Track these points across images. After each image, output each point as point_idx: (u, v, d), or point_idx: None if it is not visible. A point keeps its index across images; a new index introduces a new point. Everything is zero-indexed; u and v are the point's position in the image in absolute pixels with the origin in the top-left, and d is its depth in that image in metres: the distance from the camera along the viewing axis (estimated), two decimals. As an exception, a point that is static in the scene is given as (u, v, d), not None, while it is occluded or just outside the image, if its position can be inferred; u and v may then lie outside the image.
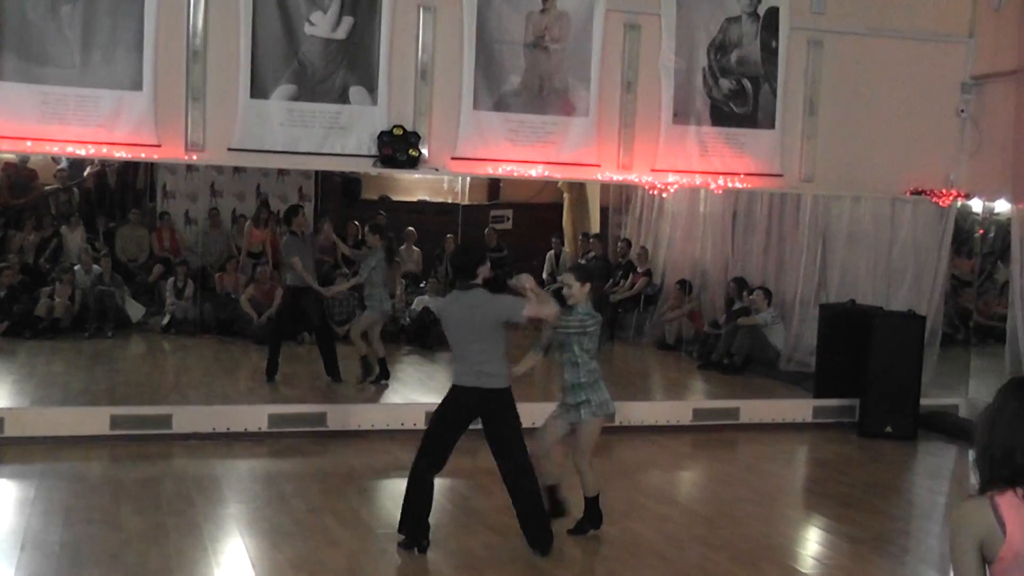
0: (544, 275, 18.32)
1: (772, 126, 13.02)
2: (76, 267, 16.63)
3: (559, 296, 8.41)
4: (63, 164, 18.17)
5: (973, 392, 13.95)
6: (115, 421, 11.16)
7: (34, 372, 13.65)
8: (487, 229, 18.09)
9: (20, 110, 10.84)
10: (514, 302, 8.01)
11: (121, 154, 11.41)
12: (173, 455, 10.81)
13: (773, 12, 12.88)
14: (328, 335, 13.72)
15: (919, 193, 13.66)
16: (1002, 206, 13.90)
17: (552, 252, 18.52)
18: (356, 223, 17.94)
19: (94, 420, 11.18)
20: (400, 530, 8.18)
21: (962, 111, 13.64)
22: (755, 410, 13.26)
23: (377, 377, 13.44)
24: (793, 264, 15.46)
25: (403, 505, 8.19)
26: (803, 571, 8.37)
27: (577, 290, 8.23)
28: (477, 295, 8.04)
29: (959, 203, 13.90)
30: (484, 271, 8.13)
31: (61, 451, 10.63)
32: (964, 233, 14.98)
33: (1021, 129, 12.87)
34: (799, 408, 13.47)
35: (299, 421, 11.66)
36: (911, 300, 13.86)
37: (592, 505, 8.71)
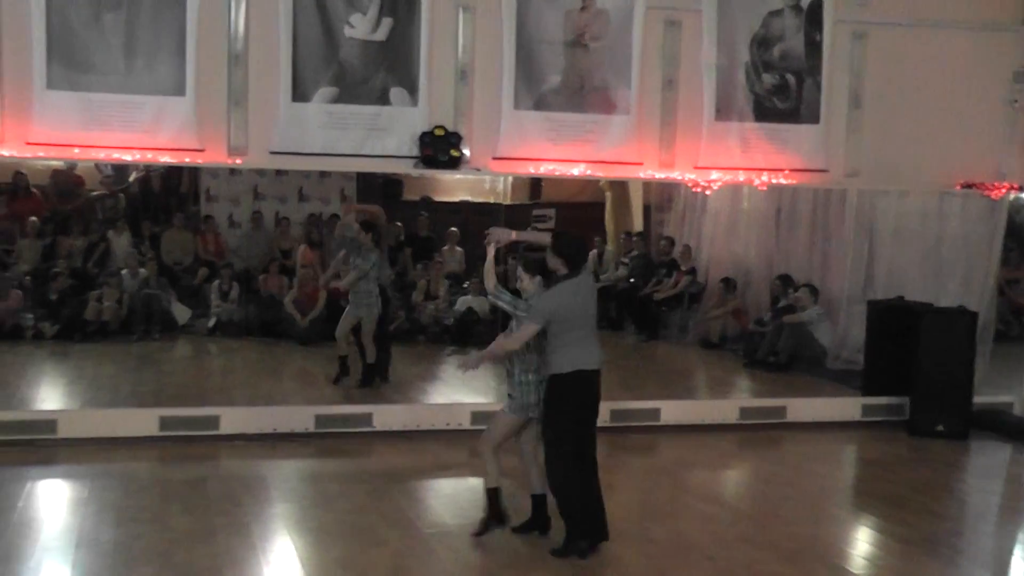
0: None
1: (816, 121, 12.90)
2: (123, 271, 16.77)
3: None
4: (108, 170, 18.35)
5: (1028, 390, 13.78)
6: (164, 422, 11.25)
7: (84, 375, 13.78)
8: (528, 228, 18.07)
9: (66, 117, 10.92)
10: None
11: (165, 159, 11.48)
12: (220, 456, 10.88)
13: (816, 5, 12.76)
14: (387, 337, 13.65)
15: (969, 186, 13.49)
16: (1057, 199, 13.72)
17: (595, 251, 18.48)
18: (399, 224, 17.98)
19: (143, 421, 11.28)
20: (585, 539, 8.19)
21: (1014, 101, 13.43)
22: (802, 408, 13.16)
23: (361, 381, 13.30)
24: (839, 260, 15.36)
25: (579, 515, 8.18)
26: (853, 571, 8.28)
27: (527, 282, 8.26)
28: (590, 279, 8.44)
29: (1011, 196, 13.73)
30: None
31: (112, 452, 10.73)
32: (1016, 226, 14.80)
33: (1074, 119, 12.71)
34: (847, 406, 13.36)
35: (345, 422, 11.69)
36: (962, 296, 13.70)
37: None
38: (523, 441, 8.46)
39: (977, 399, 12.89)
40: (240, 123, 11.30)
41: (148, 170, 18.23)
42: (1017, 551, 9.32)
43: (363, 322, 13.08)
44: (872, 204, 14.50)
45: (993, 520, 10.17)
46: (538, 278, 8.20)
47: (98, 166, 17.92)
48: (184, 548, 8.07)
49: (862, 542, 9.17)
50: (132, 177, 18.88)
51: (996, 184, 13.41)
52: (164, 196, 19.19)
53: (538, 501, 8.51)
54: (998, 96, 13.39)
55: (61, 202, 18.36)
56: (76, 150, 11.15)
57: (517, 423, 8.32)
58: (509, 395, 8.31)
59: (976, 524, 10.03)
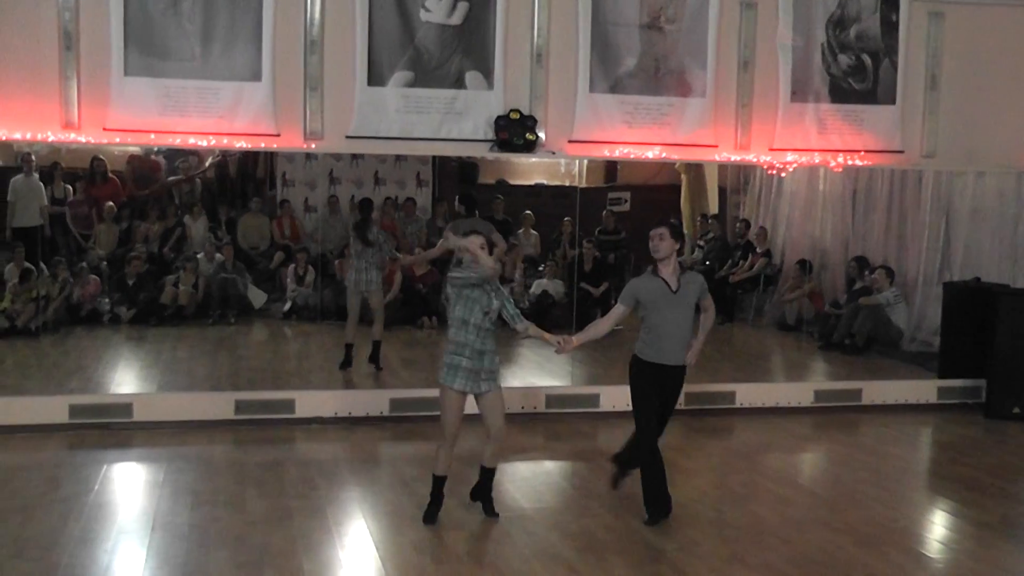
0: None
1: (892, 101, 12.78)
2: (199, 255, 16.94)
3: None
4: (184, 158, 18.52)
5: (1106, 371, 13.59)
6: (239, 406, 11.39)
7: (160, 358, 13.96)
8: (604, 212, 18.05)
9: (143, 104, 11.09)
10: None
11: (241, 144, 11.60)
12: (296, 439, 11.00)
13: (893, -16, 12.66)
14: None
15: (1047, 166, 13.32)
16: None
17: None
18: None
19: (219, 405, 11.43)
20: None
21: (1090, 80, 13.25)
22: (877, 391, 13.08)
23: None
24: (915, 242, 15.21)
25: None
26: (929, 555, 8.24)
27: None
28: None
29: (1088, 175, 13.53)
30: None
31: (187, 435, 10.89)
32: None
33: None
34: (923, 389, 13.26)
35: (419, 406, 11.74)
36: (1039, 277, 13.54)
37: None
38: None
39: (1054, 382, 12.75)
40: (316, 108, 11.40)
41: (224, 155, 18.37)
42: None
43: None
44: (948, 185, 14.35)
45: (1071, 504, 10.06)
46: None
47: (162, 154, 18.14)
48: (260, 531, 8.19)
49: (938, 526, 9.11)
50: (208, 162, 19.04)
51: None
52: (240, 181, 19.31)
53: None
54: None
55: (138, 187, 18.55)
56: (152, 135, 11.32)
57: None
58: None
59: (1054, 508, 9.92)
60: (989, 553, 8.24)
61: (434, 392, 11.91)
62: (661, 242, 8.49)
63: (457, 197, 14.05)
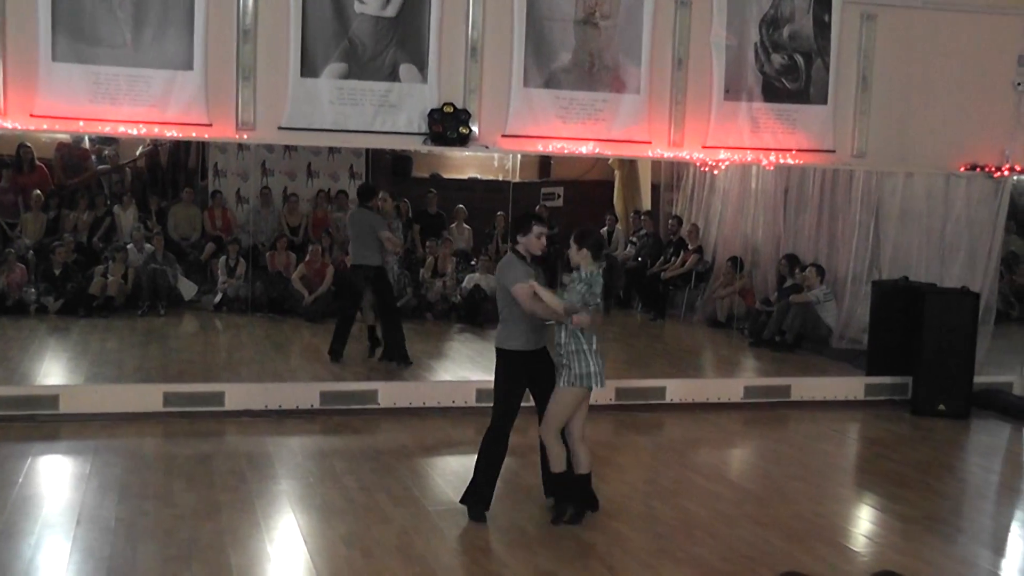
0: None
1: (824, 101, 12.90)
2: (129, 246, 16.78)
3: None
4: (110, 147, 18.32)
5: (1029, 370, 13.85)
6: (168, 398, 11.27)
7: (88, 350, 13.79)
8: (537, 206, 18.05)
9: (73, 90, 10.91)
10: (517, 274, 8.23)
11: (172, 133, 11.47)
12: (226, 432, 10.91)
13: (825, -14, 12.78)
14: (397, 315, 13.68)
15: (973, 168, 13.50)
16: (1059, 181, 13.73)
17: (604, 229, 18.47)
18: (407, 201, 17.98)
19: (148, 397, 11.30)
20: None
21: (1018, 84, 13.45)
22: (806, 388, 13.21)
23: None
24: (845, 241, 15.37)
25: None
26: (854, 549, 8.34)
27: (572, 251, 8.24)
28: (505, 257, 8.47)
29: (1014, 178, 13.73)
30: (526, 241, 8.36)
31: (115, 428, 10.75)
32: (1019, 208, 14.80)
33: (1078, 103, 12.70)
34: (851, 386, 13.41)
35: (350, 399, 11.73)
36: (965, 277, 13.72)
37: (567, 481, 8.49)
38: (572, 419, 8.41)
39: (978, 379, 13.01)
40: (249, 98, 11.31)
41: (155, 144, 18.20)
42: (1015, 528, 9.38)
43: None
44: (879, 185, 14.51)
45: (992, 498, 10.24)
46: (585, 250, 8.21)
47: (91, 141, 17.94)
48: (188, 525, 8.11)
49: (864, 520, 9.23)
50: (139, 151, 18.85)
51: (1000, 166, 13.43)
52: (171, 171, 19.14)
53: (582, 481, 8.50)
54: (1003, 79, 13.40)
55: (67, 176, 18.33)
56: (81, 123, 11.16)
57: (580, 396, 8.29)
58: (568, 366, 8.21)
59: (976, 502, 10.07)
60: (913, 547, 8.35)
61: (365, 386, 12.00)
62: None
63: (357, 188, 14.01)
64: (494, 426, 8.46)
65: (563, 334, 8.18)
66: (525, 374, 8.43)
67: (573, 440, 8.37)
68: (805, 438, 11.92)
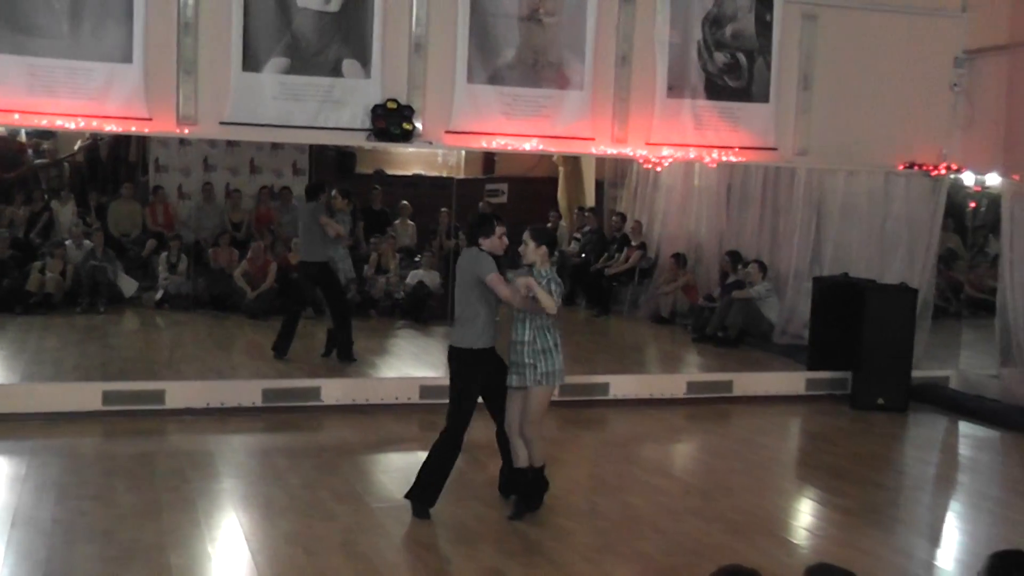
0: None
1: (767, 100, 12.99)
2: (67, 242, 16.58)
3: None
4: (48, 140, 18.13)
5: (964, 364, 14.02)
6: (108, 397, 11.15)
7: (25, 348, 13.59)
8: (481, 202, 18.07)
9: (8, 82, 10.71)
10: (491, 265, 8.23)
11: (112, 127, 11.32)
12: (167, 431, 10.81)
13: (767, -15, 12.86)
14: (348, 311, 13.64)
15: (912, 167, 13.66)
16: (993, 179, 13.87)
17: (548, 226, 18.51)
18: (350, 198, 17.92)
19: (87, 396, 11.17)
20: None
21: (955, 85, 13.63)
22: (749, 383, 13.30)
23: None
24: (787, 237, 15.49)
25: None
26: (795, 542, 8.41)
27: (531, 249, 8.26)
28: (468, 252, 8.42)
29: (951, 177, 13.90)
30: (490, 243, 8.35)
31: (53, 427, 10.62)
32: (956, 206, 14.98)
33: (1013, 103, 12.86)
34: (792, 381, 13.52)
35: (293, 396, 11.67)
36: (904, 273, 13.87)
37: (533, 476, 8.57)
38: (510, 413, 8.45)
39: (916, 373, 13.17)
40: (190, 92, 11.20)
41: (95, 138, 18.01)
42: (951, 519, 9.53)
43: None
44: (820, 182, 14.63)
45: (929, 489, 10.41)
46: (544, 248, 8.27)
47: (28, 134, 17.74)
48: (129, 525, 8.01)
49: (805, 513, 9.33)
50: (77, 146, 18.65)
51: (938, 165, 13.61)
52: (111, 165, 18.95)
53: (528, 474, 8.52)
54: (941, 80, 13.57)
55: (3, 170, 18.10)
56: (17, 116, 11.00)
57: (551, 393, 8.39)
58: (533, 364, 8.21)
59: (913, 493, 10.20)
60: (852, 538, 8.43)
61: (308, 383, 11.94)
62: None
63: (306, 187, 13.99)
64: (451, 429, 8.40)
65: (527, 332, 8.19)
66: (481, 374, 8.40)
67: (512, 433, 8.40)
68: (747, 432, 12.00)
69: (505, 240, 8.40)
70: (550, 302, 8.08)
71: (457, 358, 8.40)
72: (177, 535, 7.85)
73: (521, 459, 8.42)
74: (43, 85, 10.80)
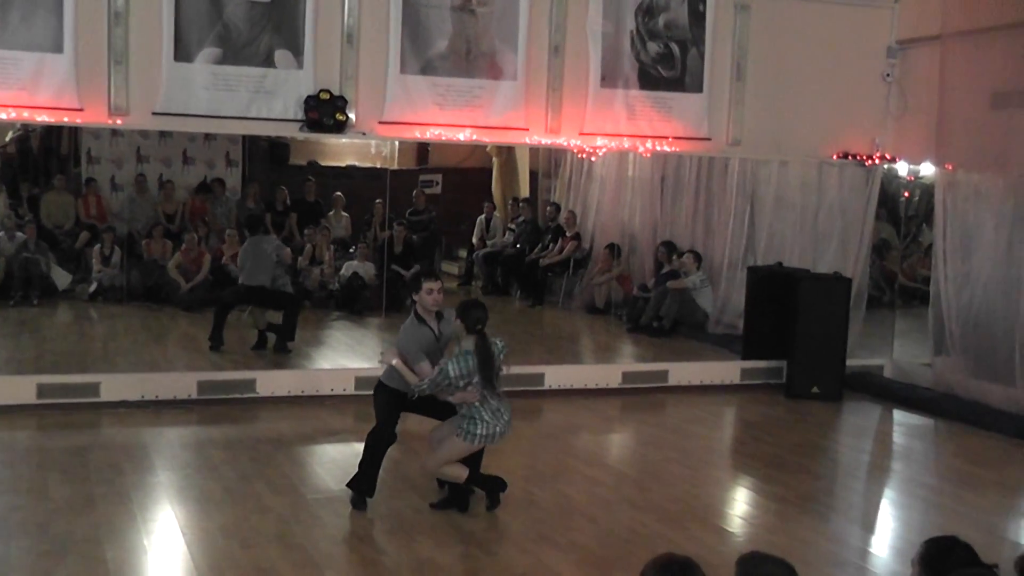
0: (474, 239, 18.34)
1: (700, 90, 13.07)
2: (0, 233, 16.36)
3: None
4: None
5: (898, 353, 14.17)
6: (42, 390, 11.04)
7: (-43, 341, 13.44)
8: (415, 190, 18.03)
9: (-66, 72, 10.60)
10: (401, 341, 8.39)
11: (43, 118, 11.20)
12: (101, 424, 10.72)
13: (700, -24, 12.93)
14: (295, 301, 13.64)
15: (845, 157, 13.80)
16: (927, 169, 14.02)
17: (483, 216, 18.52)
18: (284, 188, 17.82)
19: (20, 389, 11.06)
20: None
21: (887, 75, 13.79)
22: (683, 372, 13.39)
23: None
24: (721, 227, 15.58)
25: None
26: (730, 531, 8.48)
27: (457, 324, 8.18)
28: (406, 321, 8.58)
29: (885, 167, 14.06)
30: (420, 299, 8.42)
31: (-14, 421, 10.51)
32: (889, 196, 15.14)
33: (945, 93, 13.00)
34: (727, 370, 13.63)
35: (228, 388, 11.61)
36: (837, 263, 14.00)
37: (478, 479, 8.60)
38: (435, 430, 8.55)
39: (850, 362, 13.32)
40: (121, 83, 11.10)
41: (26, 129, 17.77)
42: (884, 506, 9.66)
43: None
44: (754, 172, 14.72)
45: (863, 477, 10.53)
46: (459, 322, 8.12)
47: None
48: (63, 518, 7.96)
49: (740, 502, 9.40)
50: (8, 137, 18.38)
51: (871, 155, 13.75)
52: (43, 157, 18.68)
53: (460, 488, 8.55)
54: (874, 70, 13.71)
55: (-67, 162, 17.83)
56: (-56, 106, 10.86)
57: (470, 449, 8.31)
58: (474, 419, 8.16)
59: (847, 481, 10.33)
60: (788, 526, 8.52)
61: (243, 375, 11.88)
62: (440, 295, 8.43)
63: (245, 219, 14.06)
64: (376, 426, 8.50)
65: None
66: (393, 409, 8.50)
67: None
68: (682, 422, 12.09)
69: (436, 295, 8.36)
70: (413, 379, 8.11)
71: (377, 386, 8.61)
72: (112, 528, 7.80)
73: (459, 475, 8.44)
74: (-30, 75, 10.65)
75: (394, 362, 8.22)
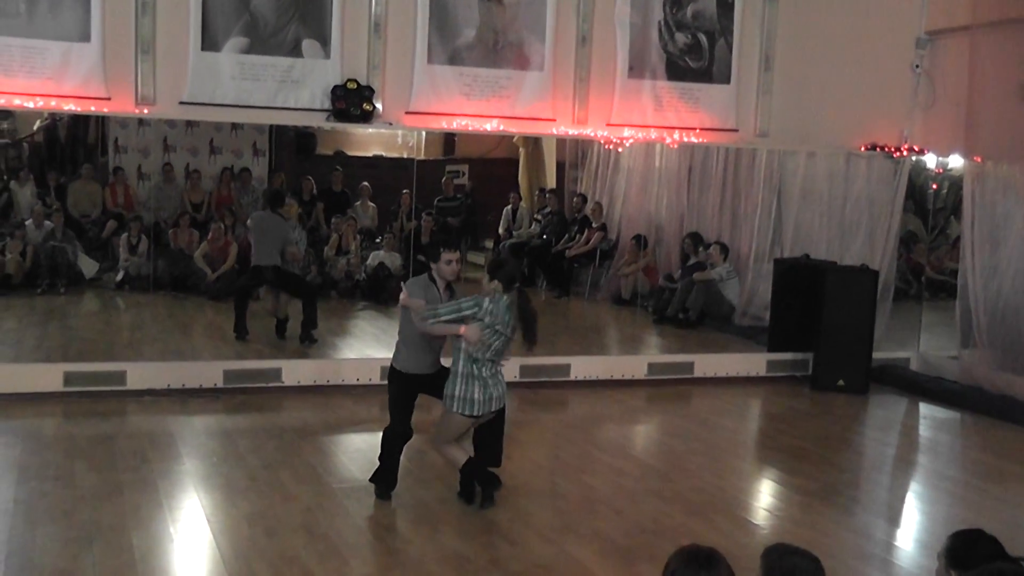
0: (501, 230, 18.32)
1: (727, 81, 13.04)
2: (27, 222, 16.44)
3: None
4: (7, 120, 17.93)
5: (924, 346, 14.10)
6: (69, 378, 11.09)
7: (-15, 329, 13.51)
8: (444, 178, 18.05)
9: (-36, 61, 10.66)
10: (412, 291, 8.22)
11: (70, 107, 11.28)
12: (127, 412, 10.76)
13: (729, -34, 12.90)
14: (312, 292, 13.62)
15: (873, 148, 13.73)
16: (955, 161, 13.95)
17: (509, 207, 18.51)
18: (310, 178, 17.85)
19: (47, 377, 11.11)
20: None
21: (916, 66, 13.70)
22: (709, 364, 13.36)
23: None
24: (748, 219, 15.52)
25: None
26: (755, 523, 8.46)
27: (485, 283, 8.04)
28: (414, 278, 8.55)
29: (913, 158, 13.98)
30: (437, 268, 8.33)
31: (14, 408, 10.55)
32: (917, 188, 15.07)
33: (974, 84, 12.93)
34: (753, 362, 13.58)
35: (254, 377, 11.64)
36: (864, 255, 13.95)
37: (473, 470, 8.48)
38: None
39: (876, 355, 13.24)
40: (148, 72, 11.15)
41: (53, 118, 17.85)
42: (909, 499, 9.61)
43: None
44: (781, 164, 14.67)
45: (888, 470, 10.48)
46: (497, 283, 7.97)
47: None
48: (90, 505, 7.99)
49: (764, 494, 9.37)
50: (36, 126, 18.47)
51: (899, 146, 13.67)
52: (70, 146, 18.75)
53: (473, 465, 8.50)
54: (903, 61, 13.62)
55: (-41, 151, 17.92)
56: (-27, 95, 10.91)
57: (466, 423, 8.19)
58: (451, 392, 8.08)
59: (872, 474, 10.30)
60: (811, 519, 8.49)
61: (269, 364, 11.91)
62: (458, 266, 8.35)
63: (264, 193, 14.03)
64: (390, 423, 8.49)
65: (454, 353, 8.11)
66: (415, 391, 8.46)
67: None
68: (708, 414, 12.06)
69: (455, 266, 8.28)
70: (420, 304, 8.04)
71: (390, 372, 8.56)
72: (138, 516, 7.83)
73: (458, 458, 8.41)
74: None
75: (402, 297, 8.14)
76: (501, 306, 7.89)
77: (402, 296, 8.16)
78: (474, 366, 7.99)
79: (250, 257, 13.48)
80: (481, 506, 8.34)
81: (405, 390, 8.43)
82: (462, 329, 7.92)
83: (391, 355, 8.52)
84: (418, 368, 8.34)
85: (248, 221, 13.84)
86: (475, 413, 8.05)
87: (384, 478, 8.44)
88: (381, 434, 8.49)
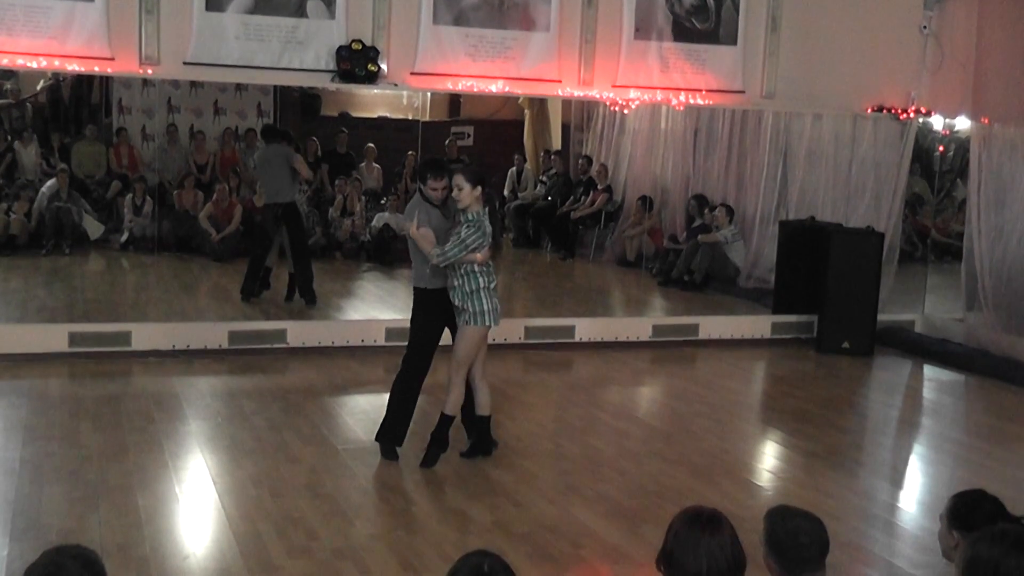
0: (506, 191, 18.29)
1: (734, 42, 12.96)
2: (32, 183, 16.43)
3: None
4: (10, 80, 17.89)
5: (929, 308, 14.10)
6: (74, 338, 11.11)
7: (-10, 289, 13.53)
8: (448, 140, 17.99)
9: (-35, 21, 10.60)
10: (411, 215, 8.19)
11: (74, 67, 11.22)
12: (133, 372, 10.79)
13: (736, -75, 12.80)
14: (308, 252, 13.57)
15: (880, 110, 13.67)
16: (962, 123, 13.90)
17: (514, 169, 18.48)
18: (315, 139, 17.81)
19: (53, 337, 11.13)
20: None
21: (924, 27, 13.62)
22: (714, 326, 13.35)
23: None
24: (754, 181, 15.48)
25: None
26: (758, 484, 8.48)
27: (467, 193, 8.02)
28: (412, 199, 8.42)
29: (920, 120, 13.93)
30: (426, 189, 8.22)
31: (19, 369, 10.58)
32: (924, 151, 15.02)
33: (982, 46, 12.86)
34: (758, 324, 13.58)
35: (260, 338, 11.66)
36: (870, 217, 13.92)
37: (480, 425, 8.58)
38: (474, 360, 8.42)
39: (882, 317, 13.23)
40: (152, 32, 11.08)
41: (57, 79, 17.80)
42: (913, 461, 9.63)
43: None
44: (787, 126, 14.62)
45: (892, 432, 10.50)
46: (479, 189, 8.02)
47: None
48: (95, 466, 8.02)
49: (769, 456, 9.40)
50: (39, 86, 18.42)
51: (906, 108, 13.61)
52: (74, 106, 18.71)
53: (484, 423, 8.54)
54: (910, 22, 13.54)
55: (-38, 111, 17.88)
56: (-25, 55, 10.86)
57: (482, 334, 8.24)
58: (463, 307, 8.13)
59: (876, 436, 10.31)
60: (815, 481, 8.51)
61: (274, 325, 11.92)
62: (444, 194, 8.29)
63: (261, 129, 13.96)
64: (405, 364, 8.46)
65: (456, 277, 8.10)
66: (440, 312, 8.37)
67: (475, 380, 8.40)
68: (712, 376, 12.08)
69: (440, 194, 8.18)
70: (427, 246, 8.03)
71: (414, 297, 8.48)
72: (144, 476, 7.86)
73: (482, 406, 8.43)
74: (2, 23, 10.64)
75: (411, 229, 8.10)
76: (483, 220, 8.04)
77: (411, 228, 8.11)
78: (484, 278, 8.09)
79: (255, 216, 13.42)
80: (463, 455, 8.45)
81: (433, 313, 8.35)
82: (479, 256, 8.00)
83: (396, 316, 8.52)
84: (444, 283, 8.27)
85: (251, 162, 13.74)
86: (496, 323, 8.22)
87: (392, 430, 8.42)
88: (389, 392, 8.49)
